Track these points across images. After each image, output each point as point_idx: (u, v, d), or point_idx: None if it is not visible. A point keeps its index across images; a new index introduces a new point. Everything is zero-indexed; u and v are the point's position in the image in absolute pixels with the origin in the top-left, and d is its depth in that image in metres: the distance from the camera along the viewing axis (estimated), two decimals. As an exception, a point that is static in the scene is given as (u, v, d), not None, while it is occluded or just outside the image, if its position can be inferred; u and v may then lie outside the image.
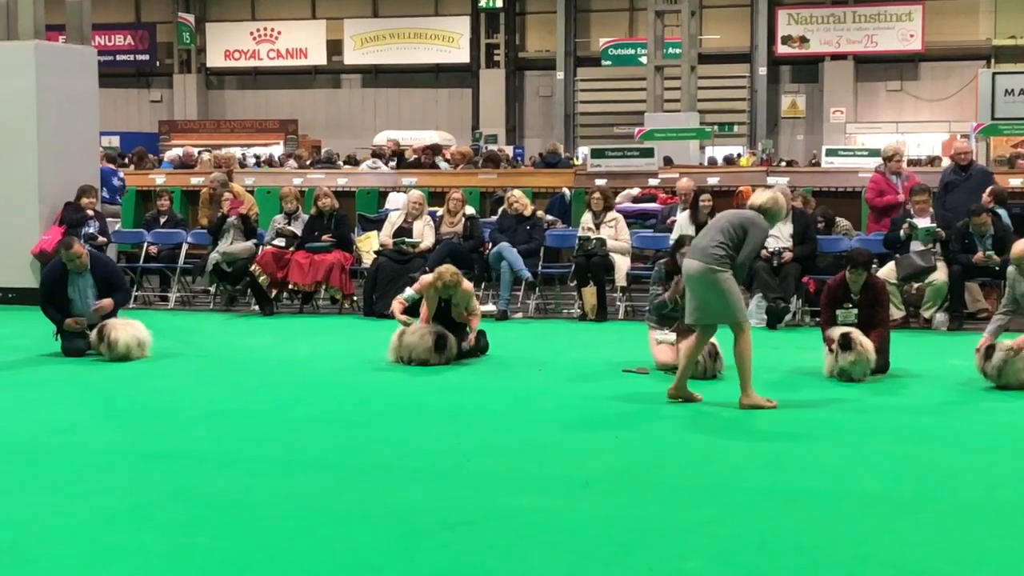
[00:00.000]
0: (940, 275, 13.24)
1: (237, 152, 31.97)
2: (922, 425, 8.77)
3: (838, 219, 14.74)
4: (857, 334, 10.21)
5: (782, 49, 42.70)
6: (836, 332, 10.30)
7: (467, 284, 11.71)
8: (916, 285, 13.40)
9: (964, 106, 39.55)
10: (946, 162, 23.08)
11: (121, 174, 18.94)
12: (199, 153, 25.52)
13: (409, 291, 11.83)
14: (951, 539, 6.09)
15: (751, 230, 9.24)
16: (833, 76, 42.48)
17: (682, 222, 14.48)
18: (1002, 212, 14.10)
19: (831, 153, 21.22)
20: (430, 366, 11.07)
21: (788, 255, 13.66)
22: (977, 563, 5.78)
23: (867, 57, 42.19)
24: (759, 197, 9.50)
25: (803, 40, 42.34)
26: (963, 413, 9.27)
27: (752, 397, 9.19)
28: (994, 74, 34.00)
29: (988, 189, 14.40)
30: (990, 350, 9.94)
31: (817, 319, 12.67)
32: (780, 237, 13.81)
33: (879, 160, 16.54)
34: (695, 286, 9.27)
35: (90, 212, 15.36)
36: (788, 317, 13.60)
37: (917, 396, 9.73)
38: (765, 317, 13.45)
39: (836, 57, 42.27)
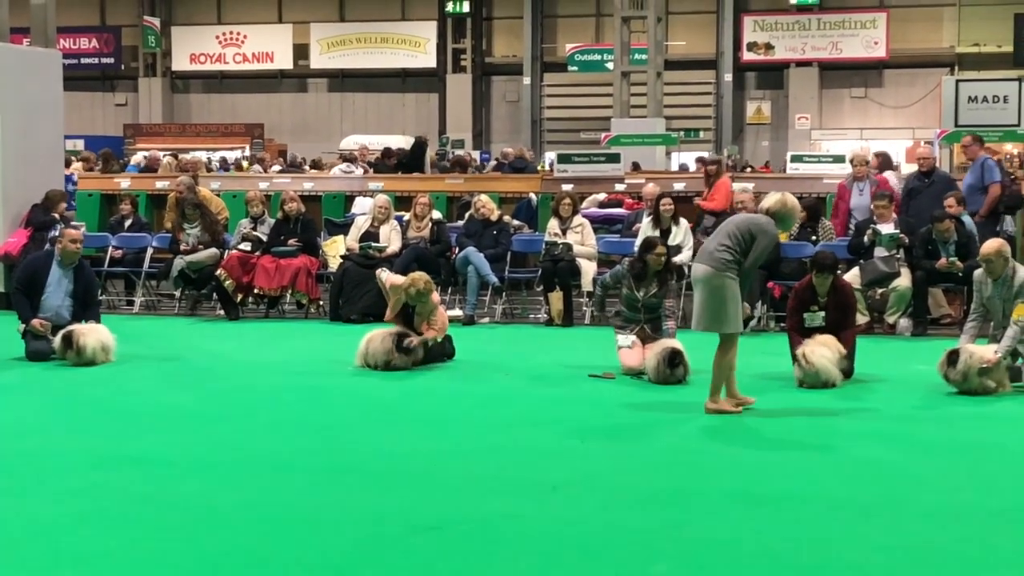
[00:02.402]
0: (904, 281, 13.32)
1: (203, 156, 31.85)
2: (886, 430, 8.83)
3: (823, 219, 14.73)
4: (810, 350, 10.21)
5: (747, 56, 42.88)
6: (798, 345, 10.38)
7: (435, 296, 11.72)
8: (880, 291, 13.47)
9: (928, 113, 39.78)
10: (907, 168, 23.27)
11: (75, 177, 18.85)
12: (164, 158, 25.44)
13: (387, 275, 11.90)
14: (914, 542, 6.15)
15: (759, 236, 9.14)
16: (798, 83, 42.67)
17: (645, 228, 14.51)
18: (966, 218, 14.18)
19: (796, 159, 21.29)
20: (397, 369, 11.07)
21: (752, 262, 13.70)
22: (940, 566, 5.83)
23: (832, 64, 42.40)
24: (767, 200, 9.47)
25: (768, 47, 42.52)
26: (927, 418, 9.35)
27: (718, 403, 9.22)
28: (958, 81, 34.18)
29: (952, 195, 14.41)
30: (953, 355, 10.01)
31: (782, 324, 12.74)
32: (745, 243, 13.86)
33: (843, 166, 16.68)
34: (698, 290, 9.19)
35: (56, 215, 15.30)
36: (753, 323, 13.64)
37: (881, 401, 9.79)
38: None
39: (801, 64, 42.46)
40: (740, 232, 9.17)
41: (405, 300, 11.46)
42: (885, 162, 17.10)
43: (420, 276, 11.53)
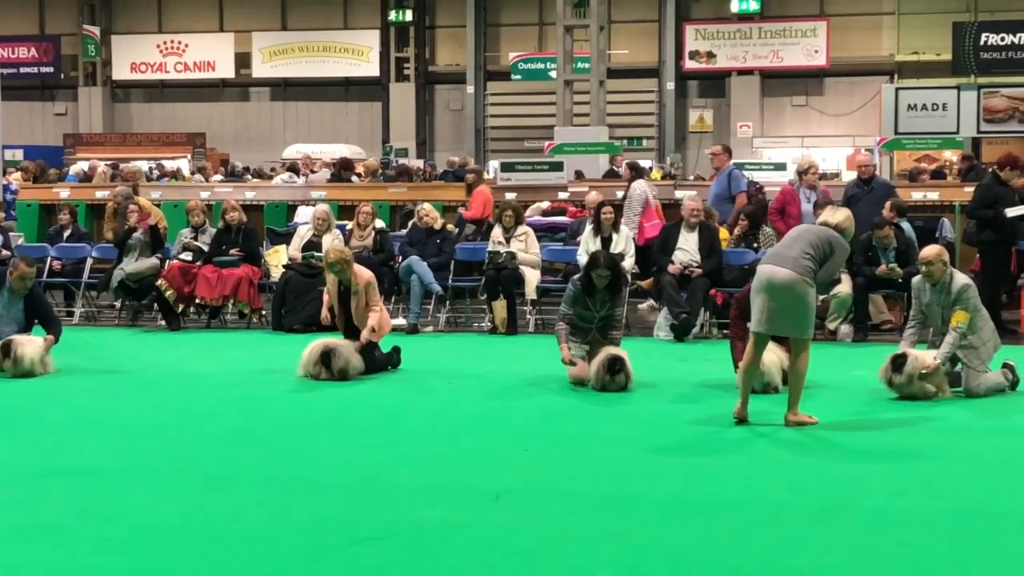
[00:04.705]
0: (844, 287, 13.41)
1: (144, 166, 31.59)
2: (827, 435, 8.87)
3: (764, 227, 14.79)
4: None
5: (689, 64, 43.05)
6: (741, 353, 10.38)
7: (363, 272, 11.67)
8: (821, 297, 13.55)
9: (868, 121, 40.10)
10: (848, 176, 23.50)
11: (14, 186, 18.67)
12: (100, 166, 25.24)
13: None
14: (857, 546, 6.18)
15: (837, 250, 9.19)
16: (740, 91, 42.90)
17: (587, 236, 14.55)
18: (905, 225, 14.32)
19: (738, 167, 21.41)
20: (321, 380, 11.03)
21: (698, 271, 13.77)
22: (883, 568, 5.87)
23: (773, 72, 42.65)
24: (835, 216, 9.40)
25: (710, 55, 42.71)
26: (868, 423, 9.39)
27: (798, 415, 9.12)
28: (897, 89, 34.52)
29: (888, 202, 14.58)
30: (899, 360, 10.06)
31: (725, 331, 12.80)
32: (688, 251, 13.94)
33: (785, 174, 16.80)
34: (779, 294, 9.03)
35: (-6, 226, 15.20)
36: (696, 330, 13.70)
37: (823, 407, 9.79)
38: (672, 332, 13.55)
39: (742, 72, 42.68)
40: (821, 242, 9.14)
41: (337, 282, 11.55)
42: (637, 173, 17.32)
43: (333, 246, 11.68)
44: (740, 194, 16.03)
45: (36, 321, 11.94)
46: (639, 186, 16.66)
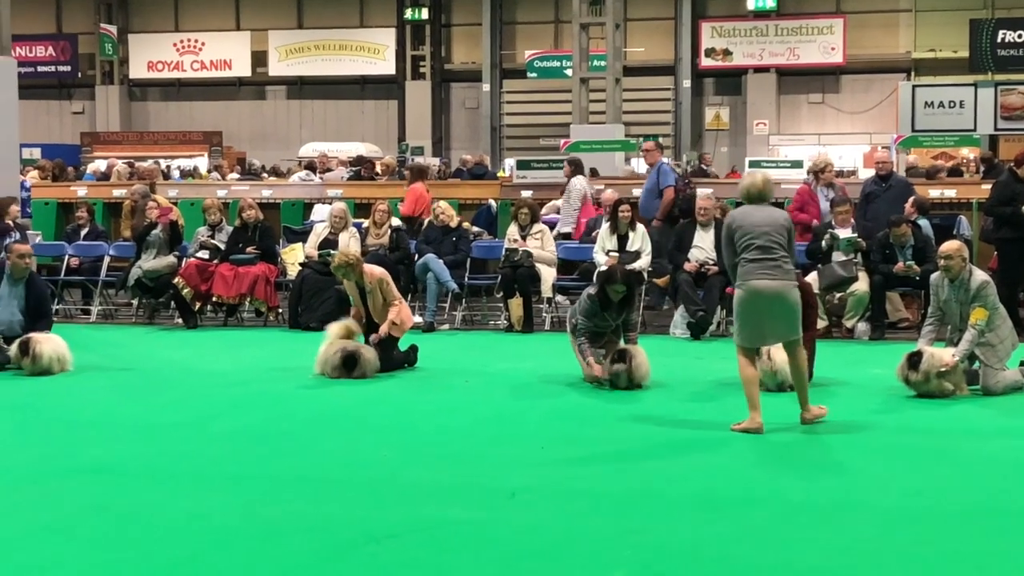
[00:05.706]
0: (861, 285, 13.38)
1: (160, 163, 31.68)
2: (843, 433, 8.85)
3: None
4: (773, 350, 10.07)
5: (706, 62, 42.99)
6: None
7: (374, 270, 11.68)
8: (838, 295, 13.53)
9: (885, 118, 40.00)
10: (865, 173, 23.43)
11: (27, 183, 18.73)
12: (117, 165, 25.30)
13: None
14: (872, 544, 6.16)
15: (792, 235, 9.13)
16: (756, 88, 42.82)
17: (603, 234, 14.53)
18: (923, 222, 14.29)
19: (754, 165, 21.36)
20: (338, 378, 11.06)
21: (714, 269, 13.74)
22: (899, 566, 5.85)
23: (789, 70, 42.56)
24: (755, 182, 9.23)
25: (726, 53, 42.64)
26: (884, 421, 9.36)
27: (811, 410, 9.07)
28: (914, 87, 34.52)
29: (910, 199, 14.59)
30: (915, 357, 10.02)
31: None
32: (704, 248, 13.91)
33: (801, 171, 16.72)
34: (776, 307, 8.96)
35: (10, 223, 15.20)
36: (712, 327, 13.68)
37: (839, 405, 9.78)
38: (688, 330, 13.53)
39: (759, 70, 42.61)
40: (778, 233, 9.00)
41: (354, 285, 11.60)
42: (577, 169, 17.33)
43: (340, 252, 11.72)
44: (667, 188, 15.99)
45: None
46: (578, 182, 16.82)
